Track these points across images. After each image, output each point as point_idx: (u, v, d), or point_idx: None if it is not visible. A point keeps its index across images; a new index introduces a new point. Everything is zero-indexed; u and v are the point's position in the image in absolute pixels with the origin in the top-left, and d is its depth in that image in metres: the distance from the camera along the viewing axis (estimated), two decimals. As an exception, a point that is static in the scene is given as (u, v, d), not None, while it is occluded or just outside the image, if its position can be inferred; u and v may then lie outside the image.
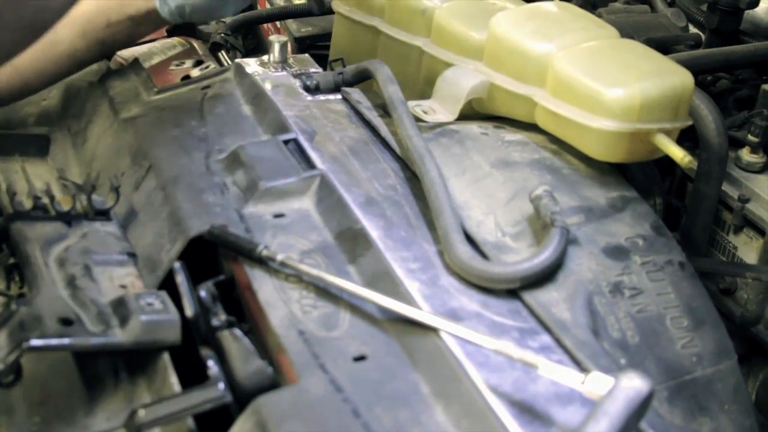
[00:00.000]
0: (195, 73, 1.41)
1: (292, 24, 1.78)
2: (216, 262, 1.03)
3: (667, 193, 1.34)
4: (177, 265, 0.96)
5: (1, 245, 1.11)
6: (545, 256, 0.96)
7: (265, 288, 0.94)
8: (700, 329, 1.01)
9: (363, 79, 1.32)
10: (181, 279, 0.94)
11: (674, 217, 1.32)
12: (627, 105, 1.10)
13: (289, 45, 1.40)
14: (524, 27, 1.23)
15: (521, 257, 0.99)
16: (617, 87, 1.11)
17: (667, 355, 0.97)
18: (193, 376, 0.88)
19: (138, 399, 0.91)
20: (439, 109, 1.25)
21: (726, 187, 1.28)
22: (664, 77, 1.14)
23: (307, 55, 1.43)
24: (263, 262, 0.96)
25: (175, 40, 1.64)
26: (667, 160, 1.14)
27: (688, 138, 1.23)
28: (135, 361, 0.93)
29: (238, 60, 1.37)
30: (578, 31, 1.23)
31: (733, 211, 1.28)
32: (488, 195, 1.09)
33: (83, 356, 0.94)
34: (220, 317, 0.92)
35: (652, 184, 1.27)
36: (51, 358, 0.95)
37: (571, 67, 1.15)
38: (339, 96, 1.31)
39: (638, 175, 1.23)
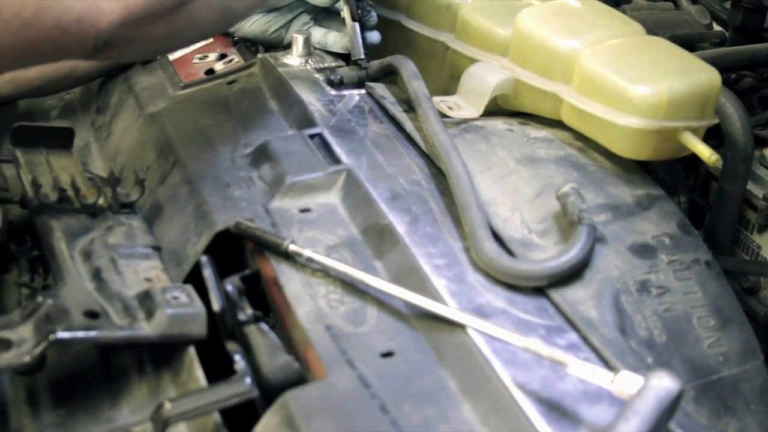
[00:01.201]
0: (218, 66, 1.41)
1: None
2: (240, 256, 1.03)
3: (691, 191, 1.34)
4: (204, 258, 0.96)
5: (26, 237, 1.12)
6: (573, 254, 0.96)
7: (292, 283, 0.94)
8: (727, 329, 1.00)
9: (387, 74, 1.31)
10: (208, 273, 0.94)
11: (698, 216, 1.32)
12: (654, 102, 1.09)
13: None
14: (550, 23, 1.23)
15: (548, 254, 0.99)
16: (644, 84, 1.10)
17: (693, 355, 0.97)
18: (218, 370, 0.88)
19: (163, 393, 0.91)
20: (464, 105, 1.24)
21: (751, 185, 1.27)
22: (691, 75, 1.13)
23: (330, 49, 1.43)
24: (290, 257, 0.96)
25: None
26: (691, 158, 1.14)
27: (713, 136, 1.22)
28: (160, 354, 0.93)
29: (262, 54, 1.37)
30: (604, 27, 1.22)
31: (758, 210, 1.27)
32: (514, 191, 1.08)
33: (108, 349, 0.94)
34: (246, 311, 0.92)
35: (677, 182, 1.26)
36: (76, 351, 0.95)
37: (598, 64, 1.14)
38: (363, 91, 1.30)
39: (663, 173, 1.23)
